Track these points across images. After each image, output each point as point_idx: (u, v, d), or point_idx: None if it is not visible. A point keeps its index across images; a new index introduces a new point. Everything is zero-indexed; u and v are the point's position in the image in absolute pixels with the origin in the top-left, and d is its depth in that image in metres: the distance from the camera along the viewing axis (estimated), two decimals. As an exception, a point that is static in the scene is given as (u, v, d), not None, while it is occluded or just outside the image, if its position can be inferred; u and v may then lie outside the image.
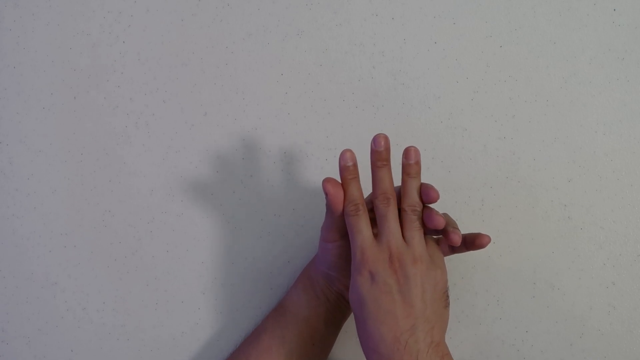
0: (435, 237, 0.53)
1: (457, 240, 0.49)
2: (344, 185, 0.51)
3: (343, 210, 0.50)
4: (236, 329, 0.60)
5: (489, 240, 0.52)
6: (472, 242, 0.52)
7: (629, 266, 0.58)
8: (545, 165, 0.59)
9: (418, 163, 0.50)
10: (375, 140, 0.50)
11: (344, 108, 0.61)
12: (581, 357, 0.58)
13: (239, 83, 0.62)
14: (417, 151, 0.50)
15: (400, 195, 0.51)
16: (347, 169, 0.50)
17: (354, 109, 0.61)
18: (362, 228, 0.49)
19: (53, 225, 0.62)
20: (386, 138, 0.50)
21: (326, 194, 0.50)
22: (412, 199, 0.50)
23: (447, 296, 0.50)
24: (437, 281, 0.48)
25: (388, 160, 0.50)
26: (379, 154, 0.50)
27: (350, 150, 0.51)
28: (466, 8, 0.61)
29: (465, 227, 0.58)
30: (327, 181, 0.50)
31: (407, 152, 0.50)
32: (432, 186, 0.50)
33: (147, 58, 0.63)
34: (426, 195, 0.50)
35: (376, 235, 0.50)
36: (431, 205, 0.51)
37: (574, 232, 0.59)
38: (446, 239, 0.50)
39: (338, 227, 0.51)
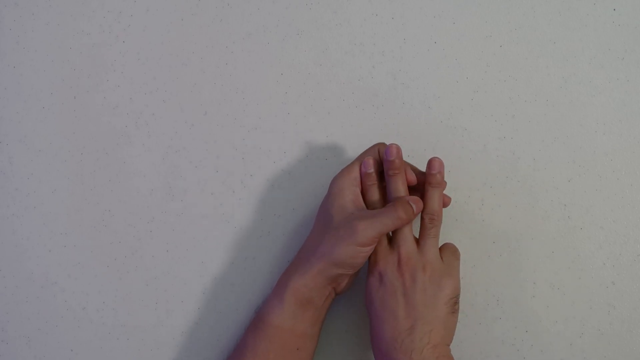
0: None
1: (447, 202, 0.56)
2: (363, 190, 0.54)
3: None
4: (236, 329, 0.60)
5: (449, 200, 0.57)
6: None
7: (629, 266, 0.58)
8: (545, 165, 0.59)
9: (441, 174, 0.53)
10: (387, 151, 0.53)
11: (344, 108, 0.61)
12: (581, 357, 0.58)
13: (239, 83, 0.62)
14: (441, 163, 0.53)
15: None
16: (369, 176, 0.54)
17: (354, 108, 0.61)
18: None
19: (53, 225, 0.62)
20: (398, 148, 0.53)
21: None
22: (432, 207, 0.53)
23: (455, 302, 0.52)
24: (443, 287, 0.51)
25: (401, 168, 0.53)
26: (392, 163, 0.53)
27: (372, 158, 0.54)
28: (466, 8, 0.61)
29: (465, 226, 0.59)
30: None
31: (431, 163, 0.53)
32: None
33: (147, 58, 0.63)
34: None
35: (390, 239, 0.53)
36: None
37: (574, 232, 0.59)
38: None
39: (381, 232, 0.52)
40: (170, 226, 0.61)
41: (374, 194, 0.54)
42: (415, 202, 0.52)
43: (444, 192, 0.55)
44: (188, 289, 0.61)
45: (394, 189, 0.53)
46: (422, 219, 0.53)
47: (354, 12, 0.62)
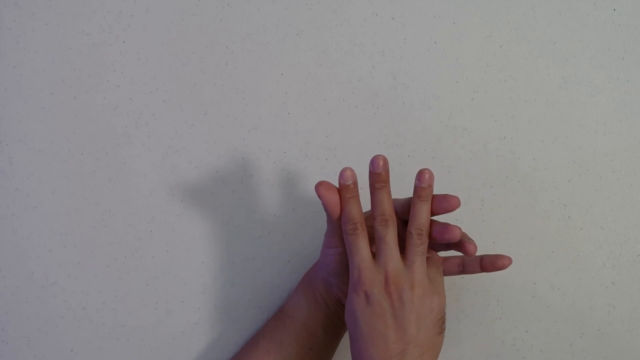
0: (442, 255, 0.53)
1: (473, 250, 0.49)
2: (342, 203, 0.50)
3: (341, 219, 0.50)
4: (236, 329, 0.60)
5: (510, 261, 0.51)
6: (491, 263, 0.51)
7: (629, 266, 0.58)
8: (545, 165, 0.59)
9: (431, 187, 0.49)
10: (373, 162, 0.49)
11: (344, 108, 0.61)
12: (581, 357, 0.58)
13: (239, 83, 0.62)
14: (431, 175, 0.49)
15: (396, 212, 0.50)
16: (347, 188, 0.49)
17: (354, 108, 0.61)
18: (360, 248, 0.49)
19: (53, 225, 0.62)
20: (385, 159, 0.49)
21: (320, 198, 0.49)
22: (420, 222, 0.49)
23: (443, 322, 0.49)
24: (432, 307, 0.48)
25: (387, 181, 0.50)
26: (378, 176, 0.49)
27: (350, 169, 0.49)
28: (466, 8, 0.61)
29: (465, 227, 0.58)
30: (319, 185, 0.49)
31: (420, 175, 0.49)
32: (449, 195, 0.50)
33: (147, 58, 0.63)
34: (446, 201, 0.49)
35: (375, 256, 0.49)
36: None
37: (574, 232, 0.59)
38: (461, 250, 0.50)
39: (339, 233, 0.51)
40: (170, 226, 0.61)
41: (354, 207, 0.49)
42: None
43: (451, 192, 0.54)
44: (188, 289, 0.61)
45: (379, 201, 0.49)
46: (409, 234, 0.49)
47: (354, 12, 0.62)
